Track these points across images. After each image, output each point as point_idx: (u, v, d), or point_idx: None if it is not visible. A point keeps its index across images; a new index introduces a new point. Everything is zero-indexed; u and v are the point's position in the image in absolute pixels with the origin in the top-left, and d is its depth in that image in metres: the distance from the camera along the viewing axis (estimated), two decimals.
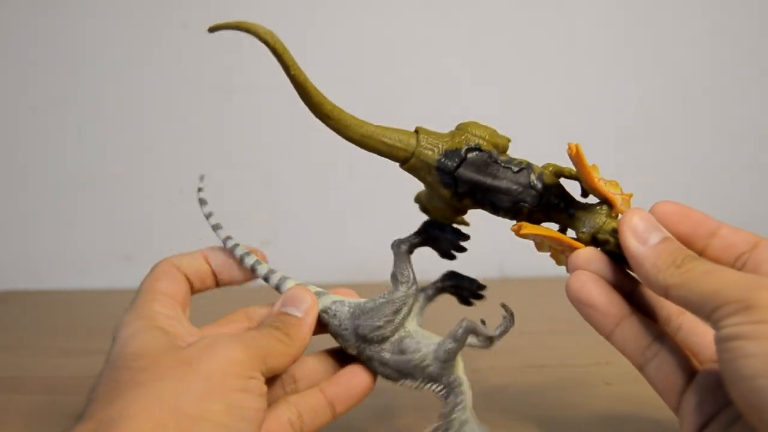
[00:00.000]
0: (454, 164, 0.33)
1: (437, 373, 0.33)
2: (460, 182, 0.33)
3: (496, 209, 0.34)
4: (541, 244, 0.34)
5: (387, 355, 0.33)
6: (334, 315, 0.34)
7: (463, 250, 0.37)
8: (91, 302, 0.71)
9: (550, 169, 0.34)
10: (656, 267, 0.28)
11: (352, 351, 0.34)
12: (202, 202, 0.38)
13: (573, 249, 0.32)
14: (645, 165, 0.77)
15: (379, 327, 0.33)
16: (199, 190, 0.38)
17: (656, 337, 0.31)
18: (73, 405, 0.45)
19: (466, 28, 0.74)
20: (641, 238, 0.29)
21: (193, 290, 0.35)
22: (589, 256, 0.32)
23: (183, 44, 0.75)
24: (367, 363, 0.34)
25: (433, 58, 0.75)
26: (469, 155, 0.33)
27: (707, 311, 0.26)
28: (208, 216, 0.38)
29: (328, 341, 0.37)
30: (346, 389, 0.34)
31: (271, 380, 0.32)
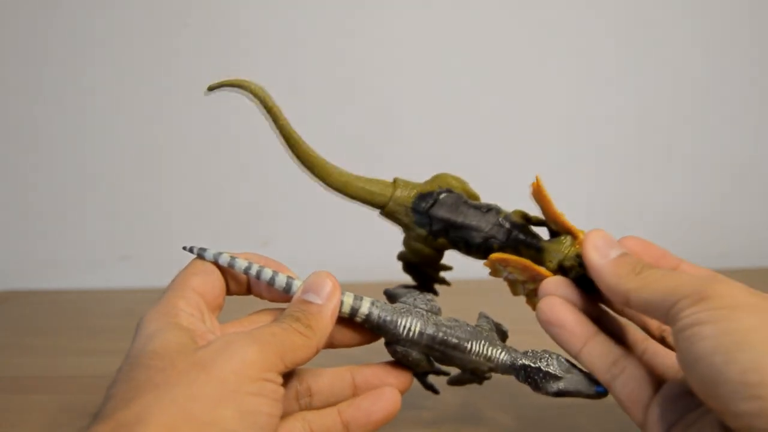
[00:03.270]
0: (428, 204, 0.37)
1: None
2: (434, 220, 0.36)
3: (468, 247, 0.37)
4: (497, 271, 0.36)
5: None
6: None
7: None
8: (91, 302, 0.71)
9: (518, 213, 0.38)
10: (617, 275, 0.31)
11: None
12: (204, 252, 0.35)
13: (540, 278, 0.34)
14: (647, 166, 0.77)
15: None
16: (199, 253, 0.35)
17: (622, 354, 0.32)
18: (73, 404, 0.45)
19: (466, 28, 0.74)
20: (602, 252, 0.32)
21: (230, 291, 0.35)
22: (557, 282, 0.34)
23: (183, 44, 0.75)
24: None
25: (433, 58, 0.75)
26: (441, 196, 0.37)
27: (666, 309, 0.28)
28: (217, 257, 0.34)
29: (342, 355, 0.37)
30: (366, 414, 0.34)
31: (286, 391, 0.31)
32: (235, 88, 0.36)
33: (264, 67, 0.75)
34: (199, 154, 0.77)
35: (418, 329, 0.33)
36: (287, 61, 0.75)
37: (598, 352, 0.32)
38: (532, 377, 0.33)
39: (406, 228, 0.38)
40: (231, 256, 0.34)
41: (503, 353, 0.34)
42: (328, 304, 0.32)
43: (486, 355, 0.34)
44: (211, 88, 0.36)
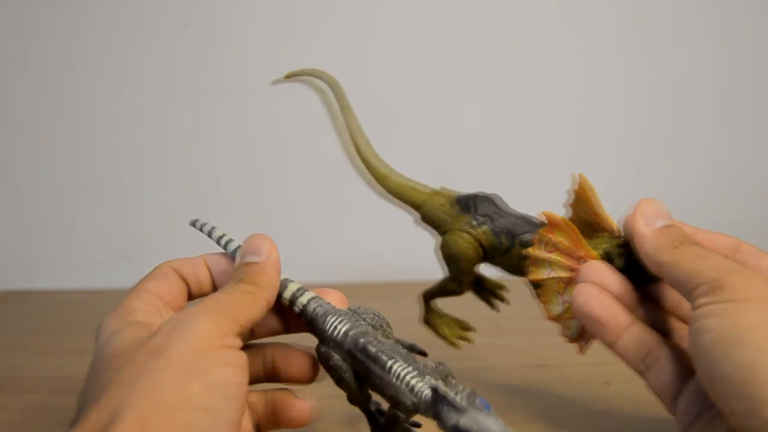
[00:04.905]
0: (471, 196, 0.38)
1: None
2: (479, 207, 0.37)
3: (512, 237, 0.36)
4: (539, 264, 0.35)
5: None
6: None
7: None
8: (91, 302, 0.71)
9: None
10: (655, 246, 0.30)
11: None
12: (200, 225, 0.36)
13: (583, 262, 0.34)
14: (647, 165, 0.77)
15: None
16: (197, 225, 0.37)
17: (657, 344, 0.32)
18: (73, 405, 0.45)
19: (466, 28, 0.74)
20: (649, 221, 0.32)
21: (191, 295, 0.35)
22: (597, 267, 0.33)
23: (183, 44, 0.75)
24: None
25: (434, 58, 0.75)
26: (480, 193, 0.38)
27: (688, 292, 0.28)
28: (210, 232, 0.36)
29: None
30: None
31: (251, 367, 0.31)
32: (312, 77, 0.37)
33: (263, 68, 0.75)
34: (199, 154, 0.77)
35: (343, 330, 0.31)
36: (289, 61, 0.75)
37: (632, 343, 0.32)
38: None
39: (446, 223, 0.37)
40: (213, 228, 0.35)
41: (426, 389, 0.28)
42: (269, 260, 0.32)
43: (409, 383, 0.29)
44: (289, 76, 0.37)
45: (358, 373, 0.31)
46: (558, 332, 0.35)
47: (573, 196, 0.35)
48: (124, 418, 0.25)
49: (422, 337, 0.55)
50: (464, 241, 0.37)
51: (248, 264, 0.32)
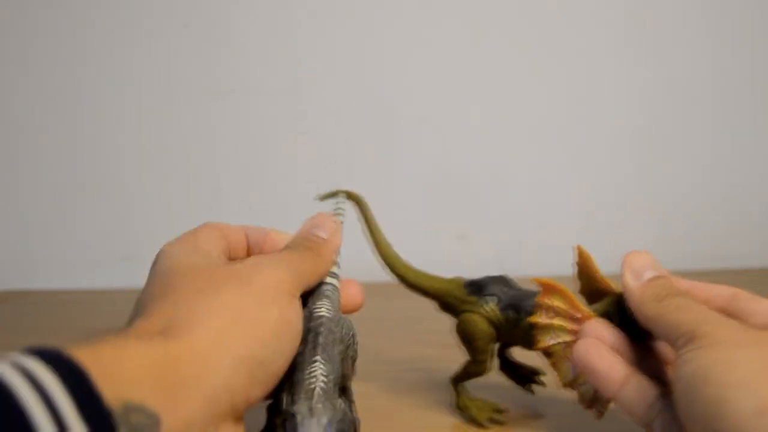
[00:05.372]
0: (479, 280, 0.40)
1: None
2: (485, 288, 0.39)
3: (518, 312, 0.38)
4: (545, 332, 0.36)
5: None
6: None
7: None
8: (91, 302, 0.71)
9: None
10: (641, 300, 0.32)
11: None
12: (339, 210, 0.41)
13: (580, 322, 0.35)
14: (647, 165, 0.77)
15: None
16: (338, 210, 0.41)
17: (659, 396, 0.32)
18: None
19: (466, 28, 0.74)
20: (636, 274, 0.33)
21: (228, 257, 0.36)
22: (596, 324, 0.34)
23: (183, 44, 0.75)
24: None
25: (434, 58, 0.75)
26: (486, 277, 0.41)
27: (671, 342, 0.29)
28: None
29: None
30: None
31: None
32: (344, 197, 0.43)
33: (262, 68, 0.75)
34: (199, 154, 0.77)
35: (321, 313, 0.32)
36: (289, 61, 0.75)
37: (633, 396, 0.32)
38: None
39: (458, 306, 0.40)
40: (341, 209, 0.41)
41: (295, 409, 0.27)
42: (333, 239, 0.36)
43: (310, 386, 0.28)
44: (321, 198, 0.43)
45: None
46: (576, 400, 0.35)
47: (577, 268, 0.36)
48: (203, 321, 0.27)
49: (423, 336, 0.54)
50: (474, 319, 0.39)
51: (316, 236, 0.35)
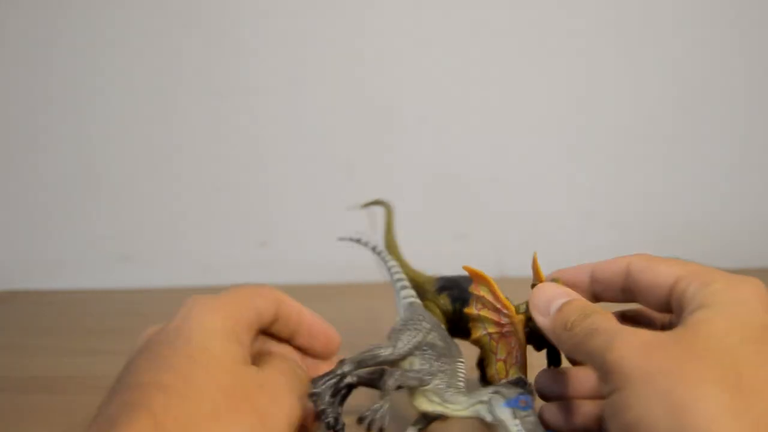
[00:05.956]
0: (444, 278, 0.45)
1: None
2: (445, 283, 0.44)
3: (464, 305, 0.39)
4: (477, 326, 0.37)
5: None
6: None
7: None
8: (91, 302, 0.71)
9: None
10: (554, 333, 0.31)
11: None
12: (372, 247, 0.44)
13: (504, 313, 0.35)
14: (647, 165, 0.77)
15: None
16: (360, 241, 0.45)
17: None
18: (73, 404, 0.45)
19: (466, 28, 0.74)
20: (543, 310, 0.32)
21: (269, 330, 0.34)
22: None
23: (183, 44, 0.75)
24: None
25: (434, 58, 0.75)
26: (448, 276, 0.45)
27: (596, 375, 0.28)
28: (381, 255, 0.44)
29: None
30: None
31: None
32: (378, 205, 0.48)
33: (263, 68, 0.75)
34: (199, 154, 0.77)
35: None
36: (288, 61, 0.75)
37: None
38: None
39: (424, 296, 0.44)
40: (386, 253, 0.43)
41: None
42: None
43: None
44: (362, 206, 0.49)
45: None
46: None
47: (532, 275, 0.36)
48: None
49: None
50: (428, 307, 0.43)
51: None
